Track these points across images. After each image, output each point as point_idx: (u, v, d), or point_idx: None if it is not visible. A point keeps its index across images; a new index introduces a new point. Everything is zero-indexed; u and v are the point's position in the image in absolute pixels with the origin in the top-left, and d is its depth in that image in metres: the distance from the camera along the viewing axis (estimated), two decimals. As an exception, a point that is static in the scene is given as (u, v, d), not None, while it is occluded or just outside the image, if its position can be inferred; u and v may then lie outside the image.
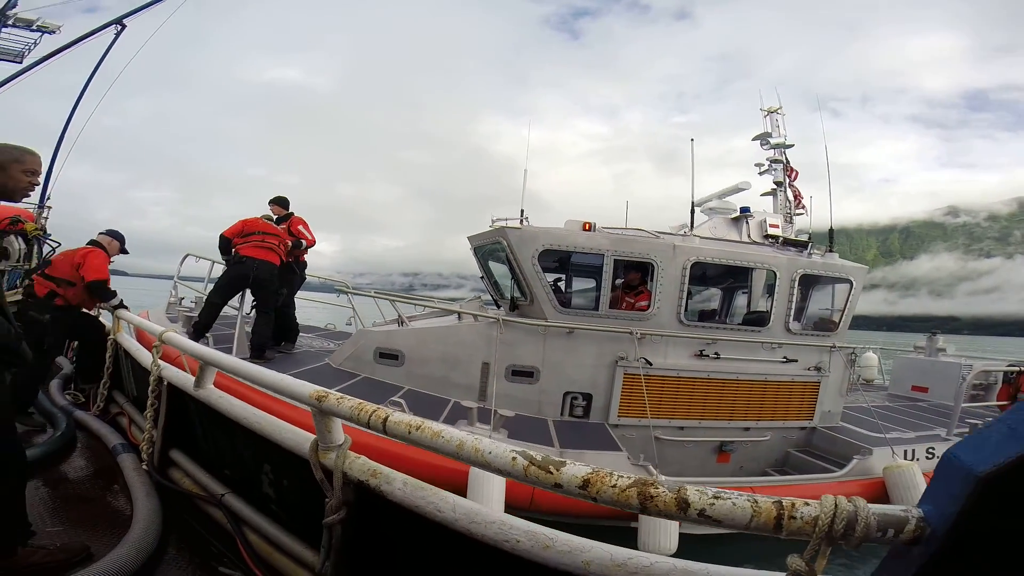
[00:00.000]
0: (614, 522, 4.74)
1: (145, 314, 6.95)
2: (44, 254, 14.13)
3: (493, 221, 6.21)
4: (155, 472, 2.72)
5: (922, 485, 5.37)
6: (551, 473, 1.07)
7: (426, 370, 5.89)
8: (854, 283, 6.87)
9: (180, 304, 7.38)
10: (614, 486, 1.07)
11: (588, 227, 6.02)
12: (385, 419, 1.43)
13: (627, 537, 4.60)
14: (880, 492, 5.53)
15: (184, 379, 2.64)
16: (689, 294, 7.88)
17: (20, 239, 12.85)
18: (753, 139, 8.38)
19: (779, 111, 8.30)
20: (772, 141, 8.19)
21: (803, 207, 8.00)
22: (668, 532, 4.31)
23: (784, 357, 6.51)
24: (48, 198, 14.85)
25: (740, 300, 7.78)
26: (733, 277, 7.31)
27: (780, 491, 5.34)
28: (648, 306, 6.15)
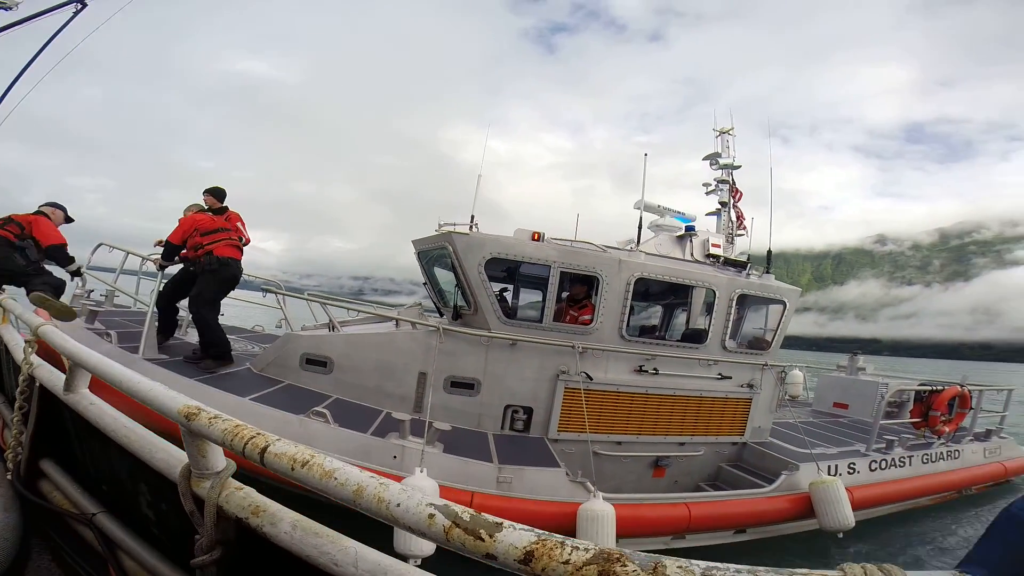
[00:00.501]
0: None
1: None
2: None
3: (440, 225, 6.06)
4: (19, 483, 2.42)
5: (845, 500, 5.66)
6: (482, 540, 0.86)
7: (357, 379, 5.59)
8: (787, 304, 7.13)
9: (87, 297, 6.74)
10: (566, 562, 0.82)
11: (537, 237, 5.96)
12: (264, 449, 1.18)
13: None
14: (806, 507, 5.76)
15: (57, 381, 2.34)
16: (632, 310, 7.94)
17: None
18: (704, 158, 8.61)
19: (731, 132, 8.56)
20: (721, 161, 8.43)
21: (744, 228, 8.25)
22: None
23: (719, 374, 6.67)
24: None
25: (680, 317, 7.91)
26: (674, 294, 7.42)
27: (716, 507, 5.46)
28: (591, 320, 6.12)
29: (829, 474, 6.23)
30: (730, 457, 6.85)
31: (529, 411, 5.82)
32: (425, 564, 3.79)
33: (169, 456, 1.66)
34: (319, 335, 5.93)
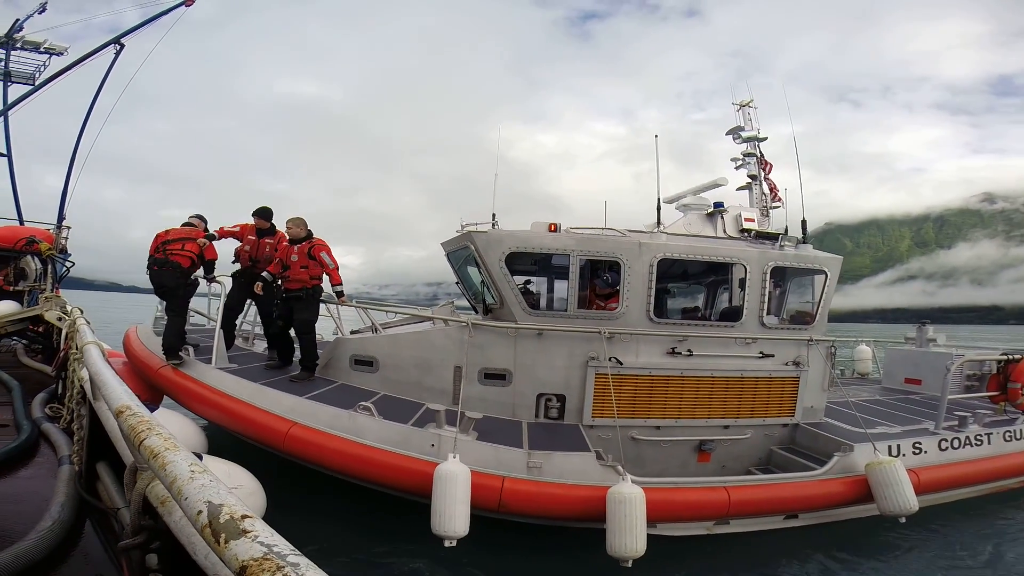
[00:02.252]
0: (584, 524, 4.83)
1: (134, 329, 7.37)
2: (59, 273, 14.89)
3: (463, 226, 6.36)
4: (79, 484, 2.66)
5: (906, 482, 5.33)
6: (218, 544, 0.85)
7: (400, 375, 6.03)
8: (828, 274, 6.82)
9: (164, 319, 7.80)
10: None
11: (554, 228, 6.16)
12: (141, 442, 1.35)
13: (598, 537, 4.53)
14: (863, 490, 5.47)
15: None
16: (668, 291, 7.84)
17: (36, 259, 13.86)
18: (726, 133, 8.47)
19: (751, 104, 8.32)
20: (743, 135, 8.23)
21: (779, 200, 7.98)
22: (636, 535, 4.34)
23: (760, 352, 6.47)
24: (64, 216, 15.66)
25: (724, 296, 7.75)
26: (715, 272, 7.34)
27: (760, 490, 5.35)
28: (617, 305, 6.20)
29: (890, 454, 5.83)
30: (782, 440, 6.61)
31: (562, 399, 5.97)
32: (459, 544, 4.14)
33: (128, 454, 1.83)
34: (365, 337, 6.47)
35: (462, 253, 6.64)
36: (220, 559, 0.85)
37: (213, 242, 6.30)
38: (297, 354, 6.39)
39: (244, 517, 0.91)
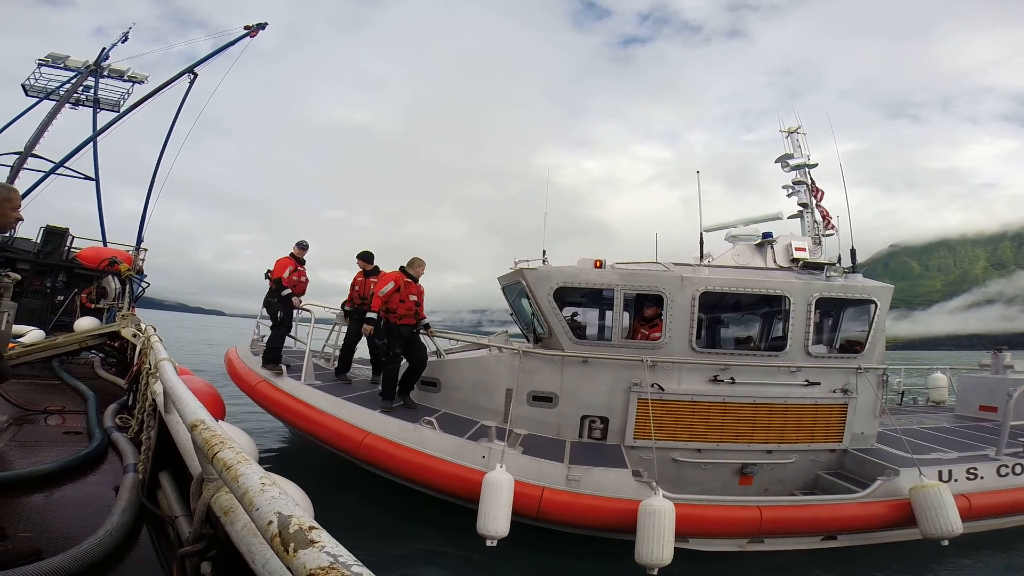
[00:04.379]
0: (616, 534, 5.41)
1: (233, 350, 8.82)
2: (136, 293, 16.29)
3: (516, 263, 7.20)
4: (142, 492, 2.83)
5: (950, 505, 5.55)
6: (287, 553, 0.91)
7: (459, 395, 6.96)
8: (878, 303, 7.04)
9: (261, 341, 8.91)
10: None
11: (599, 264, 6.88)
12: (215, 455, 1.43)
13: (628, 547, 5.06)
14: (906, 513, 5.72)
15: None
16: (722, 321, 8.28)
17: (116, 279, 15.33)
18: (775, 161, 8.74)
19: (799, 131, 8.55)
20: (791, 163, 8.48)
21: (833, 228, 8.15)
22: (663, 545, 4.85)
23: (806, 380, 6.81)
24: (143, 239, 17.07)
25: (778, 326, 7.93)
26: (768, 304, 7.62)
27: (793, 510, 5.74)
28: (660, 336, 6.79)
29: (940, 479, 6.04)
30: (829, 465, 6.89)
31: (606, 421, 6.62)
32: (500, 545, 4.66)
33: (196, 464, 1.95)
34: (431, 362, 7.33)
35: (515, 287, 7.46)
36: (288, 568, 0.91)
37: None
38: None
39: (311, 528, 0.96)
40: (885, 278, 7.58)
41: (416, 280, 6.84)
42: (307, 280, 7.84)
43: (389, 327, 6.69)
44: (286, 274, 7.49)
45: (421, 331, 6.92)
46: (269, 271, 7.62)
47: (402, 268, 6.85)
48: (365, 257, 7.94)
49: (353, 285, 7.97)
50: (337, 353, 8.49)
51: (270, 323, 7.79)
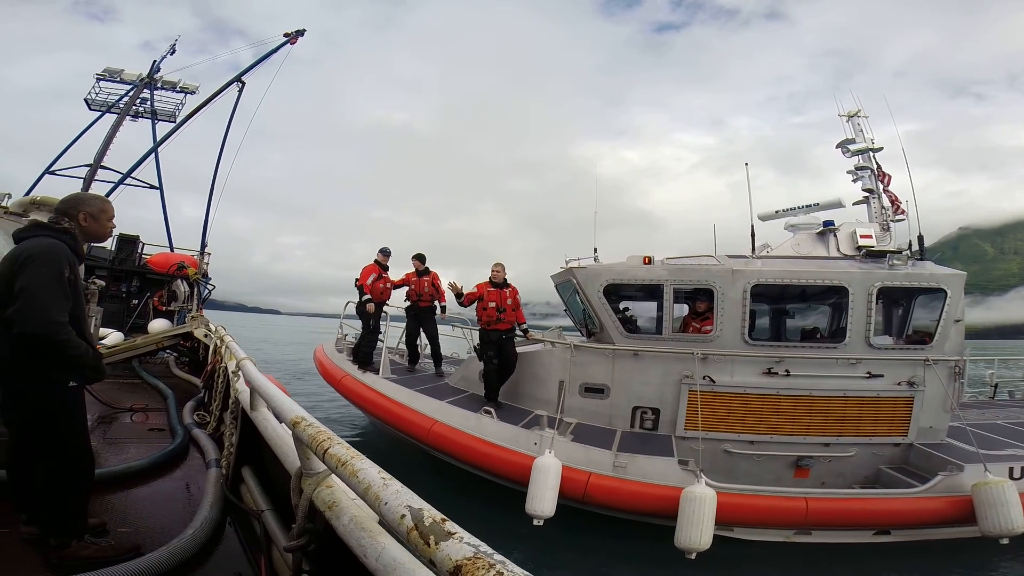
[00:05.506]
0: (660, 519, 5.67)
1: (320, 348, 9.96)
2: (203, 295, 17.37)
3: (567, 262, 7.59)
4: (226, 486, 2.97)
5: (1015, 503, 5.47)
6: (428, 545, 0.93)
7: (516, 387, 7.51)
8: (949, 292, 6.84)
9: (344, 339, 10.19)
10: None
11: (648, 261, 7.15)
12: (326, 451, 1.47)
13: (668, 532, 5.37)
14: (966, 510, 5.67)
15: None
16: (787, 313, 8.47)
17: (185, 283, 16.47)
18: (836, 147, 8.54)
19: (860, 114, 8.32)
20: (852, 148, 8.27)
21: (903, 212, 7.90)
22: (702, 530, 5.12)
23: (868, 372, 6.74)
24: (206, 244, 18.07)
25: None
26: (836, 294, 7.43)
27: (842, 503, 5.82)
28: (712, 329, 6.97)
29: (1011, 476, 5.91)
30: (892, 459, 6.81)
31: (657, 412, 6.91)
32: (546, 524, 4.92)
33: (296, 461, 1.99)
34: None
35: (567, 285, 7.88)
36: (430, 560, 0.93)
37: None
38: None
39: (443, 520, 0.98)
40: (955, 263, 7.29)
41: (499, 285, 7.37)
42: (392, 286, 8.60)
43: (481, 334, 7.38)
44: (369, 281, 8.25)
45: (515, 335, 7.48)
46: (357, 278, 8.44)
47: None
48: (420, 258, 8.75)
49: (408, 283, 8.70)
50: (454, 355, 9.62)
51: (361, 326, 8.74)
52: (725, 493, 5.42)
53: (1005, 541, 5.44)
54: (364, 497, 1.22)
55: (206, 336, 7.55)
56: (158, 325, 10.61)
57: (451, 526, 0.97)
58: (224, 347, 4.69)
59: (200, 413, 5.12)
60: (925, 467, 6.41)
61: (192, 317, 10.04)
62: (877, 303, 6.88)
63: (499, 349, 7.24)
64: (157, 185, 19.69)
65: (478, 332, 7.60)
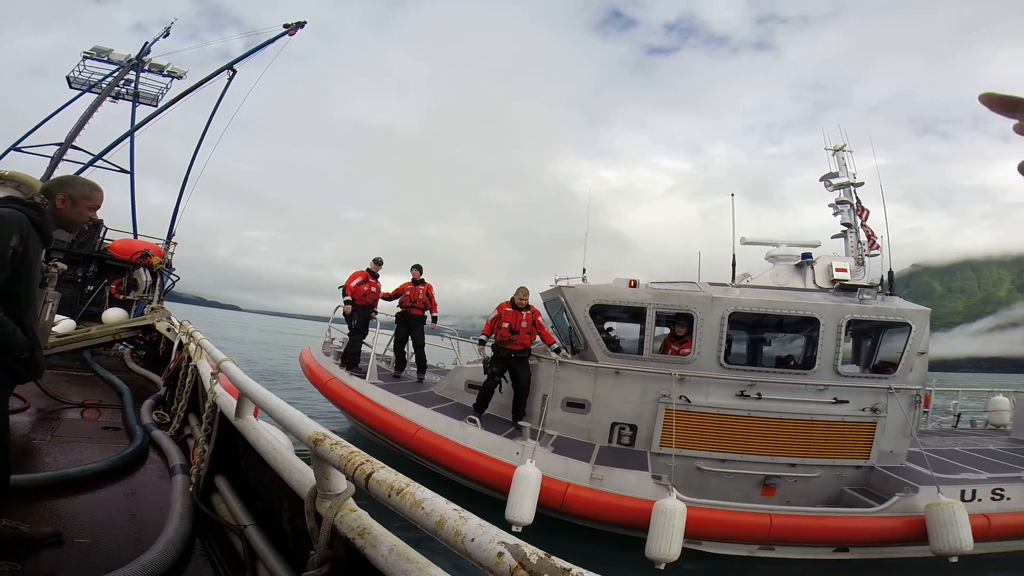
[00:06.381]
0: (632, 531, 5.99)
1: (307, 350, 10.11)
2: (165, 286, 16.83)
3: (556, 280, 8.03)
4: (197, 496, 2.77)
5: (963, 523, 5.88)
6: None
7: (501, 398, 7.82)
8: (913, 326, 7.32)
9: (332, 343, 10.45)
10: None
11: (633, 284, 7.57)
12: (369, 475, 1.32)
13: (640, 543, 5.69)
14: (919, 529, 6.06)
15: (232, 408, 2.74)
16: (763, 340, 8.99)
17: (147, 272, 15.93)
18: (819, 180, 8.95)
19: (845, 148, 8.71)
20: (835, 182, 8.68)
21: (877, 247, 8.33)
22: (671, 541, 5.41)
23: (834, 398, 7.20)
24: (174, 234, 17.48)
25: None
26: (809, 324, 7.87)
27: (804, 520, 6.19)
28: (690, 352, 7.41)
29: (963, 498, 6.37)
30: (855, 481, 7.26)
31: (634, 428, 7.30)
32: (524, 531, 5.03)
33: (304, 477, 1.86)
34: (477, 367, 8.35)
35: (555, 303, 8.30)
36: None
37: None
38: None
39: (548, 555, 0.90)
40: (907, 300, 7.76)
41: (521, 308, 7.64)
42: (377, 290, 9.14)
43: (494, 349, 7.72)
44: (353, 284, 8.80)
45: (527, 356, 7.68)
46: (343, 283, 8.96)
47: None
48: (418, 268, 9.32)
49: (403, 290, 9.19)
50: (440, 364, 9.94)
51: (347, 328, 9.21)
52: (694, 507, 5.77)
53: (955, 559, 5.83)
54: (436, 533, 1.08)
55: (169, 330, 7.22)
56: (113, 315, 10.07)
57: (563, 561, 0.89)
58: (194, 344, 4.44)
59: (159, 412, 4.78)
60: (884, 488, 6.83)
61: (152, 309, 9.65)
62: (847, 334, 7.36)
63: (508, 368, 7.56)
64: (128, 170, 19.08)
65: (492, 348, 7.85)
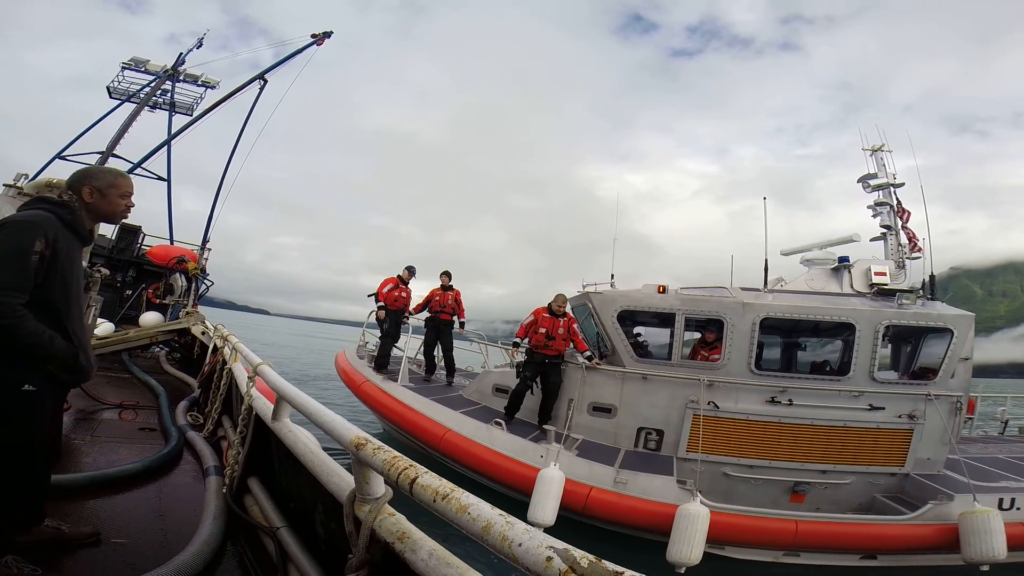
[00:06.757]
0: (655, 535, 6.02)
1: (342, 353, 10.48)
2: (200, 291, 17.34)
3: (584, 286, 8.09)
4: (230, 498, 2.82)
5: (997, 531, 5.75)
6: None
7: (527, 402, 7.91)
8: (955, 332, 7.13)
9: (365, 347, 10.70)
10: None
11: (662, 289, 7.57)
12: (414, 480, 1.33)
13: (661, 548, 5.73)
14: (952, 537, 5.95)
15: (268, 411, 2.75)
16: (798, 345, 8.90)
17: (183, 277, 16.45)
18: (857, 181, 8.73)
19: (884, 148, 8.47)
20: (872, 183, 8.43)
21: (919, 250, 8.10)
22: (692, 546, 5.41)
23: (869, 405, 7.07)
24: (208, 240, 17.98)
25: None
26: (848, 329, 7.68)
27: (831, 527, 6.13)
28: (720, 358, 7.38)
29: (1001, 507, 6.20)
30: (889, 488, 7.13)
31: (661, 433, 7.33)
32: (546, 532, 5.04)
33: (342, 480, 1.91)
34: (504, 371, 8.58)
35: (583, 308, 8.35)
36: None
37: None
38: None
39: (599, 558, 0.89)
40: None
41: (558, 315, 7.69)
42: (408, 296, 9.51)
43: (528, 354, 7.83)
44: (385, 290, 9.18)
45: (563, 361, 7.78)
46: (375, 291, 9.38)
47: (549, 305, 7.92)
48: (447, 275, 9.62)
49: (432, 296, 9.48)
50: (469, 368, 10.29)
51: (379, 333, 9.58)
52: (718, 512, 5.77)
53: (986, 568, 5.72)
54: (483, 538, 1.08)
55: (204, 334, 7.40)
56: (150, 318, 10.39)
57: (613, 566, 0.87)
58: (229, 348, 4.52)
59: (193, 414, 4.87)
60: (919, 496, 6.70)
61: (187, 313, 9.95)
62: (884, 340, 7.20)
63: (540, 373, 7.69)
64: (166, 177, 19.80)
65: (525, 353, 7.97)
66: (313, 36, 20.59)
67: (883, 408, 6.94)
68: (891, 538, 6.01)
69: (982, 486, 6.36)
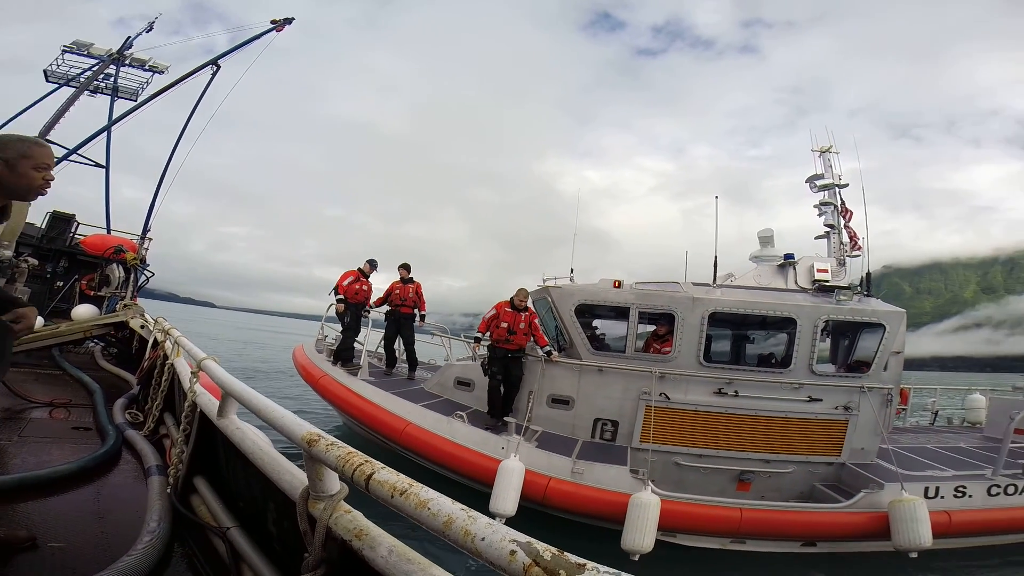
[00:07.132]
0: (610, 523, 6.22)
1: (300, 347, 10.33)
2: (139, 282, 16.46)
3: (544, 280, 8.31)
4: (175, 498, 2.72)
5: (923, 520, 6.19)
6: None
7: (482, 394, 8.02)
8: (888, 327, 7.62)
9: (324, 340, 10.63)
10: None
11: (617, 284, 7.82)
12: (370, 476, 1.29)
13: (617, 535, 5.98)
14: (882, 525, 6.38)
15: (213, 407, 2.69)
16: (747, 338, 9.30)
17: (121, 268, 15.55)
18: (805, 181, 9.19)
19: (831, 150, 8.90)
20: (819, 183, 8.89)
21: (859, 248, 8.58)
22: (645, 534, 5.68)
23: (808, 396, 7.51)
24: (149, 229, 17.08)
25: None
26: (791, 324, 8.07)
27: (774, 515, 6.48)
28: (671, 350, 7.71)
29: (926, 495, 6.68)
30: (826, 477, 7.59)
31: (616, 424, 7.62)
32: (507, 522, 5.16)
33: (294, 478, 1.88)
34: (466, 364, 8.67)
35: (543, 302, 8.56)
36: None
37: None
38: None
39: (561, 551, 0.89)
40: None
41: (519, 309, 7.74)
42: (369, 289, 9.48)
43: (489, 349, 7.88)
44: (345, 283, 9.12)
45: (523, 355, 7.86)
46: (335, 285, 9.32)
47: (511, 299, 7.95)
48: (406, 267, 9.56)
49: (393, 289, 9.44)
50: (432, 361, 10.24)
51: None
52: (668, 500, 6.05)
53: (914, 555, 6.14)
54: (444, 533, 1.06)
55: (143, 327, 7.07)
56: (84, 311, 9.63)
57: (576, 557, 0.87)
58: (171, 342, 4.32)
59: (133, 412, 4.64)
60: (853, 485, 7.16)
61: (125, 305, 9.32)
62: (824, 334, 7.68)
63: (504, 367, 7.75)
64: (104, 164, 18.76)
65: (487, 348, 8.03)
66: (273, 22, 19.85)
67: (821, 400, 7.34)
68: (827, 525, 6.36)
69: (910, 475, 6.81)
